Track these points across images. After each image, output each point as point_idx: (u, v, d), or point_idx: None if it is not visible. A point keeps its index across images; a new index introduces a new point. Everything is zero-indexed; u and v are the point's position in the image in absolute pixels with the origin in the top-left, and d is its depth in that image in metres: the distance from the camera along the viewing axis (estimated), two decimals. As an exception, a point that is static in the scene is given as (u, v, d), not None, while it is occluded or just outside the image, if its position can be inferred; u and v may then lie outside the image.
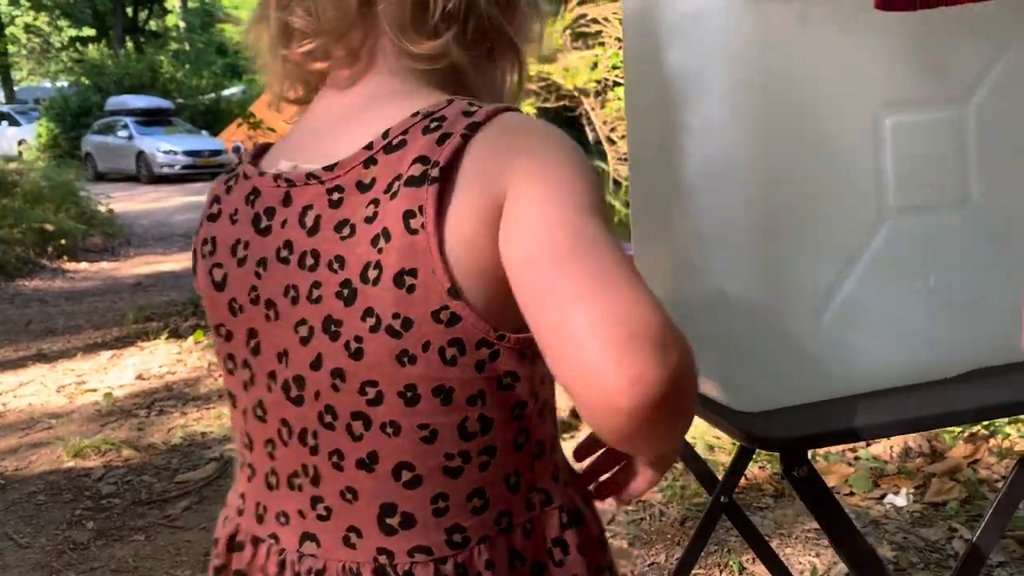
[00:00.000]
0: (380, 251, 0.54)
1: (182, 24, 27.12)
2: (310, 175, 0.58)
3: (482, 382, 0.56)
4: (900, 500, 2.20)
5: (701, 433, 2.40)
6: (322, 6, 0.59)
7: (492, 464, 0.57)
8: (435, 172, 0.53)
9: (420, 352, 0.54)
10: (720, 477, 1.52)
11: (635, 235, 1.03)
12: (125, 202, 11.84)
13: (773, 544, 2.00)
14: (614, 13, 4.62)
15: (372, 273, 0.54)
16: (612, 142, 4.52)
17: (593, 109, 4.55)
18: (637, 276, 0.49)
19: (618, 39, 4.63)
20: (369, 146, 0.56)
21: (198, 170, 15.76)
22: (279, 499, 0.61)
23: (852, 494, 2.25)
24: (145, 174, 15.75)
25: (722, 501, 1.44)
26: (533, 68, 2.98)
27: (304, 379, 0.58)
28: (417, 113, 0.56)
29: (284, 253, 0.58)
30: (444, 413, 0.55)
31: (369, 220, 0.54)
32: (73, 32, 26.48)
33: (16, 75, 24.86)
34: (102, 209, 10.30)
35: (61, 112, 18.52)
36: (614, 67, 4.44)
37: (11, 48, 22.45)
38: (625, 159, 4.54)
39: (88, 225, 9.54)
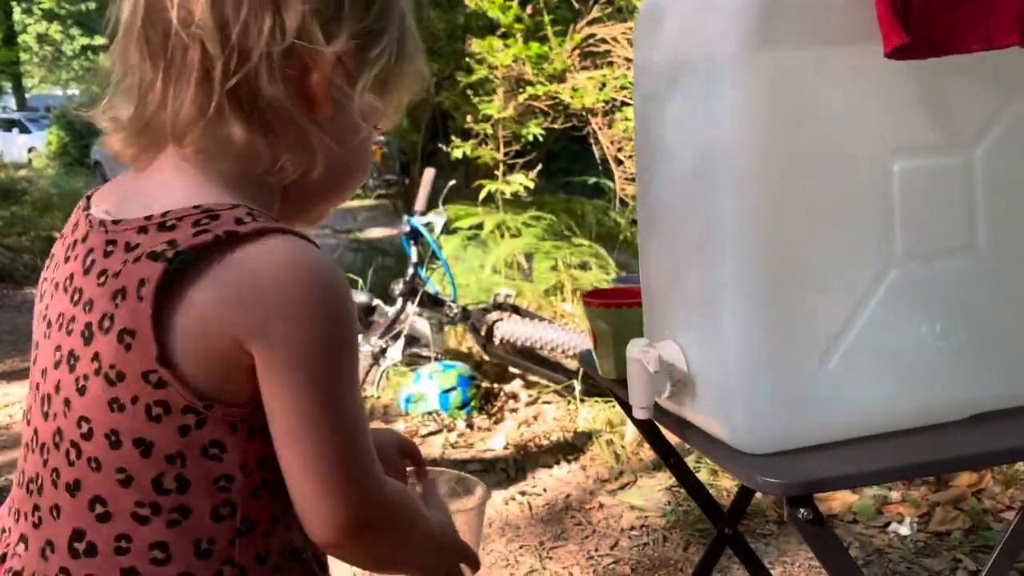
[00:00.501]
0: (116, 306, 0.60)
1: (193, 34, 27.23)
2: (101, 222, 0.65)
3: (183, 445, 0.60)
4: (904, 529, 2.20)
5: (704, 458, 2.40)
6: (120, 109, 0.66)
7: (183, 524, 0.61)
8: (170, 254, 0.59)
9: (129, 404, 0.60)
10: (724, 505, 1.53)
11: (643, 266, 1.04)
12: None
13: (776, 573, 2.00)
14: (623, 33, 4.64)
15: (106, 323, 0.60)
16: (619, 162, 4.53)
17: (600, 129, 4.56)
18: (362, 455, 0.62)
19: (627, 59, 4.65)
20: (148, 217, 0.62)
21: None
22: (19, 497, 0.67)
23: (856, 521, 2.25)
24: (154, 183, 15.80)
25: (727, 533, 1.45)
26: (542, 88, 2.98)
27: (51, 398, 0.64)
28: (198, 207, 0.61)
29: (66, 283, 0.65)
30: (142, 464, 0.60)
31: (116, 275, 0.61)
32: (85, 40, 26.66)
33: (27, 82, 25.05)
34: (110, 218, 10.37)
35: (71, 120, 18.63)
36: (622, 87, 4.46)
37: (23, 56, 22.61)
38: (631, 179, 4.55)
39: (96, 233, 9.61)
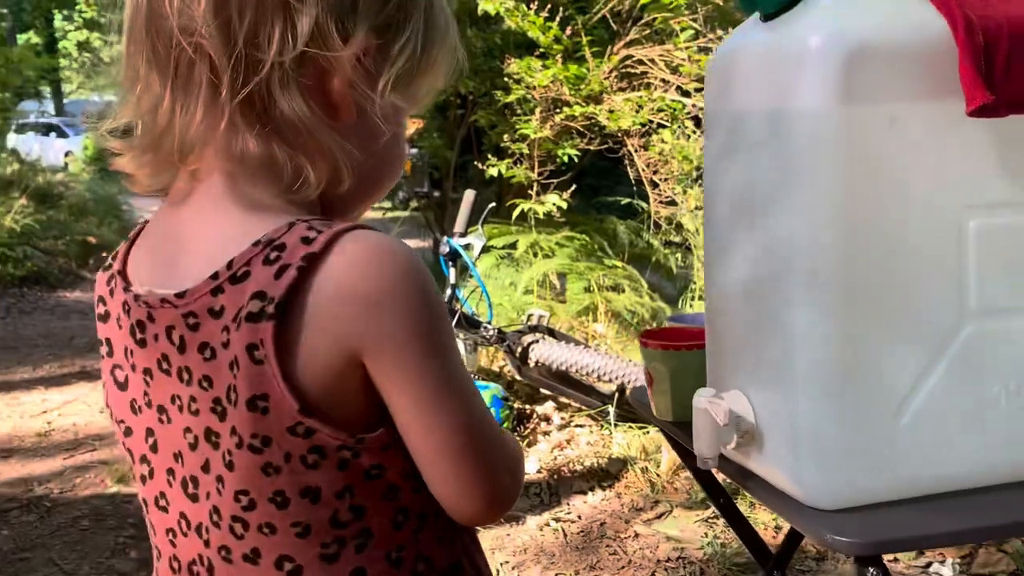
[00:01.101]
0: (235, 376, 0.57)
1: (229, 44, 27.60)
2: (164, 299, 0.60)
3: (347, 478, 0.60)
4: (946, 571, 2.16)
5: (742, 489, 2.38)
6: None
7: (371, 544, 0.62)
8: (271, 309, 0.55)
9: (283, 463, 0.58)
10: (763, 537, 1.51)
11: (709, 311, 1.04)
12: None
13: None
14: (660, 55, 4.64)
15: (232, 396, 0.58)
16: (654, 184, 4.52)
17: (636, 151, 4.55)
18: (495, 432, 0.62)
19: (664, 80, 4.65)
20: (215, 275, 0.57)
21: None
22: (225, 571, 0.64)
23: (896, 560, 2.21)
24: (187, 190, 15.99)
25: (775, 576, 1.43)
26: (579, 109, 2.98)
27: (198, 479, 0.62)
28: (258, 243, 0.57)
29: (164, 365, 0.61)
30: (314, 510, 0.60)
31: (225, 346, 0.57)
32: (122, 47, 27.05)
33: (66, 88, 25.52)
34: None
35: (108, 126, 18.93)
36: (659, 110, 4.45)
37: (62, 62, 23.06)
38: (666, 202, 4.54)
39: (129, 239, 9.74)
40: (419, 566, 0.64)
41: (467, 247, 2.88)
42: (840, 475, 0.88)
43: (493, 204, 3.25)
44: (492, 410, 3.03)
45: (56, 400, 3.77)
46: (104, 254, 8.62)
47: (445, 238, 2.92)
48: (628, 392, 3.01)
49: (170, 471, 0.64)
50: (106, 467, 2.90)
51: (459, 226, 2.96)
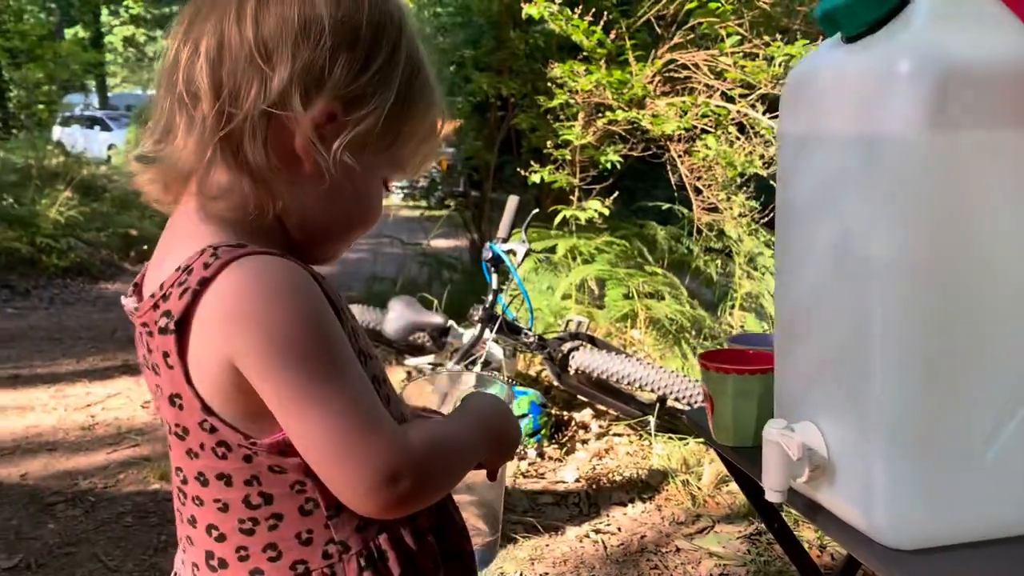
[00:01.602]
0: (161, 377, 0.71)
1: (269, 40, 27.86)
2: (135, 309, 0.74)
3: (252, 469, 0.71)
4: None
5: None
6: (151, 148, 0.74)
7: (281, 525, 0.73)
8: (172, 325, 0.68)
9: (199, 450, 0.72)
10: (811, 554, 1.47)
11: (779, 337, 1.01)
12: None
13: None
14: (704, 60, 4.58)
15: (165, 391, 0.72)
16: (698, 191, 4.46)
17: (679, 156, 4.50)
18: (369, 427, 0.68)
19: (708, 86, 4.59)
20: (152, 295, 0.71)
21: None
22: (180, 527, 0.81)
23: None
24: (226, 184, 16.19)
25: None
26: (621, 113, 2.96)
27: (168, 455, 0.78)
28: (178, 268, 0.69)
29: (145, 360, 0.75)
30: (228, 492, 0.72)
31: (153, 352, 0.71)
32: (166, 42, 27.46)
33: (110, 82, 25.97)
34: (184, 217, 10.64)
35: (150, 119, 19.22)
36: (703, 115, 4.40)
37: (107, 57, 23.46)
38: (709, 208, 4.48)
39: (169, 232, 9.87)
40: (330, 548, 0.74)
41: (510, 252, 2.87)
42: (918, 515, 0.85)
43: (537, 210, 3.23)
44: (530, 418, 3.02)
45: (99, 394, 3.82)
46: (145, 247, 8.77)
47: (488, 244, 2.90)
48: (673, 403, 2.98)
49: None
50: (148, 463, 2.93)
51: (502, 231, 2.95)
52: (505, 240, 2.94)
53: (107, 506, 2.62)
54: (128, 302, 0.76)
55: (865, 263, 0.85)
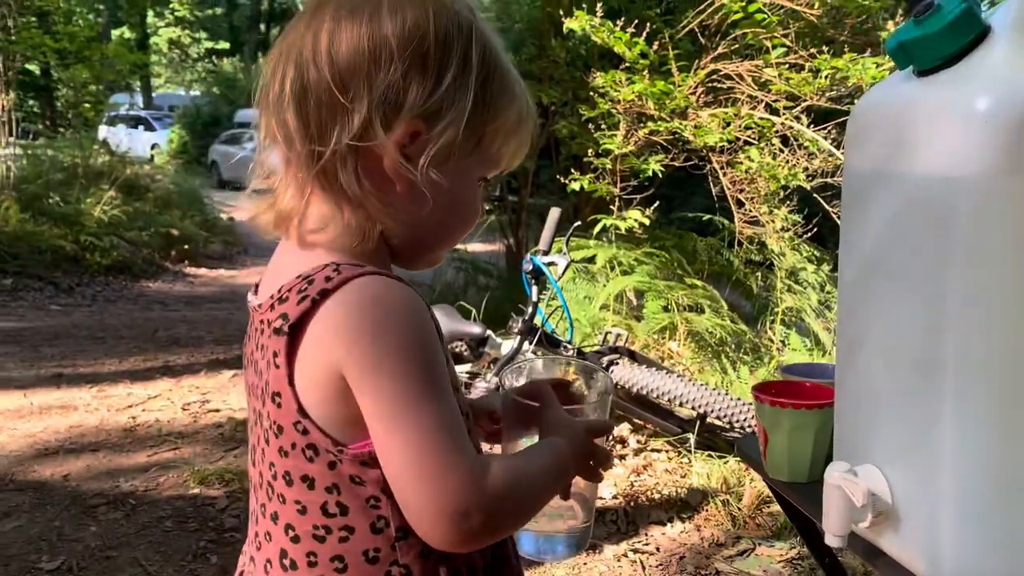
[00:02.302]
0: (268, 373, 0.74)
1: (310, 43, 28.17)
2: (255, 307, 0.79)
3: (335, 477, 0.73)
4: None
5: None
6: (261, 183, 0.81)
7: (352, 539, 0.74)
8: (286, 328, 0.71)
9: (290, 449, 0.74)
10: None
11: (840, 374, 0.98)
12: (245, 211, 12.36)
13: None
14: (748, 71, 4.53)
15: (267, 388, 0.75)
16: (740, 203, 4.41)
17: (722, 168, 4.45)
18: (450, 456, 0.69)
19: (751, 96, 4.54)
20: (271, 296, 0.75)
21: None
22: (250, 527, 0.83)
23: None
24: (264, 186, 16.38)
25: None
26: (663, 124, 2.93)
27: (255, 449, 0.80)
28: (300, 276, 0.73)
29: (251, 357, 0.79)
30: (309, 495, 0.74)
31: (263, 349, 0.75)
32: (210, 44, 27.95)
33: (154, 82, 26.42)
34: (223, 217, 10.79)
35: (193, 120, 19.56)
36: (747, 127, 4.34)
37: (152, 58, 23.87)
38: (751, 221, 4.43)
39: (210, 232, 10.00)
40: (393, 570, 0.75)
41: (551, 265, 2.85)
42: (986, 564, 0.82)
43: (579, 223, 3.20)
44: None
45: (140, 395, 3.87)
46: (186, 246, 8.90)
47: (528, 255, 2.89)
48: (721, 422, 2.94)
49: (256, 438, 0.80)
50: (188, 467, 2.96)
51: (543, 244, 2.92)
52: (546, 252, 2.92)
53: (147, 510, 2.65)
54: (252, 299, 0.81)
55: (938, 305, 0.82)
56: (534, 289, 2.91)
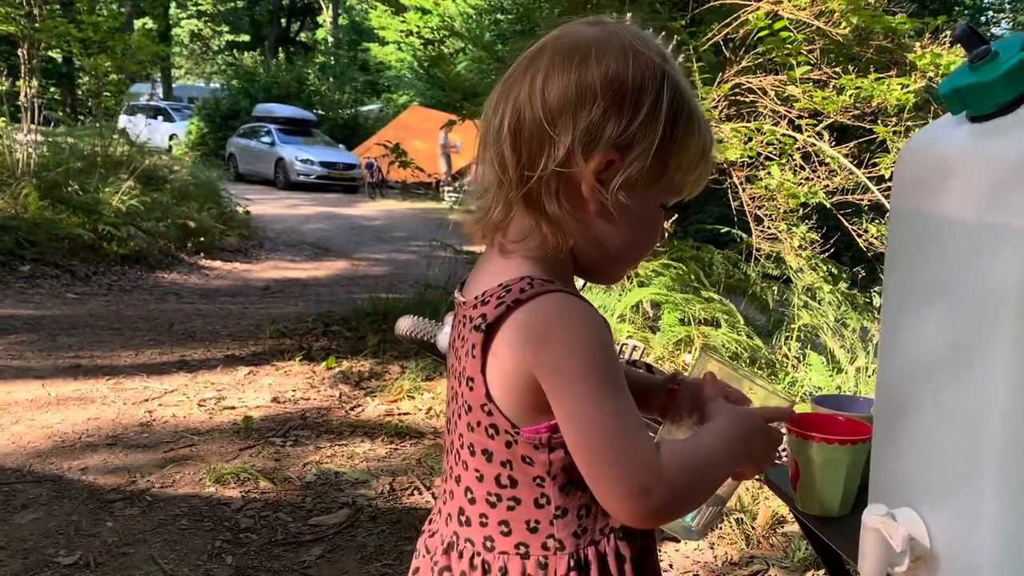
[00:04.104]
0: (465, 361, 0.86)
1: (330, 39, 28.33)
2: (460, 303, 0.91)
3: (510, 454, 0.86)
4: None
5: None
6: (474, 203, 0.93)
7: (517, 509, 0.87)
8: (483, 326, 0.84)
9: (476, 426, 0.87)
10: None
11: (879, 413, 0.98)
12: (261, 205, 12.43)
13: None
14: (772, 85, 4.52)
15: (463, 372, 0.87)
16: (759, 220, 4.40)
17: (741, 184, 4.45)
18: (626, 442, 0.81)
19: (773, 111, 4.53)
20: (476, 297, 0.87)
21: (331, 181, 16.35)
22: (441, 485, 0.96)
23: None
24: (282, 180, 16.47)
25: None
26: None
27: (449, 420, 0.93)
28: (501, 284, 0.85)
29: (454, 343, 0.91)
30: (488, 467, 0.87)
31: (464, 340, 0.87)
32: (230, 37, 28.06)
33: (175, 73, 26.53)
34: (240, 210, 10.83)
35: (212, 113, 19.64)
36: (768, 143, 4.34)
37: (174, 49, 23.98)
38: (769, 238, 4.41)
39: (226, 225, 10.04)
40: (549, 542, 0.88)
41: (572, 277, 2.85)
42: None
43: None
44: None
45: (157, 389, 3.89)
46: (202, 238, 8.94)
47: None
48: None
49: (451, 411, 0.93)
50: (204, 466, 2.98)
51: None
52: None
53: (163, 507, 2.67)
54: (458, 296, 0.93)
55: (986, 353, 0.82)
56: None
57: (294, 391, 3.92)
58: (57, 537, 2.43)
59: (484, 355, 0.84)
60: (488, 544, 0.90)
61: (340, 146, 18.11)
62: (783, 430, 1.18)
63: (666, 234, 1.09)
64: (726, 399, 0.98)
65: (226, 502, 2.71)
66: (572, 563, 0.88)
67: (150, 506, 2.66)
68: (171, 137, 19.54)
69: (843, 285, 4.58)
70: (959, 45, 0.89)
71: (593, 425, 0.81)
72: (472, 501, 0.90)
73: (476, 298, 0.87)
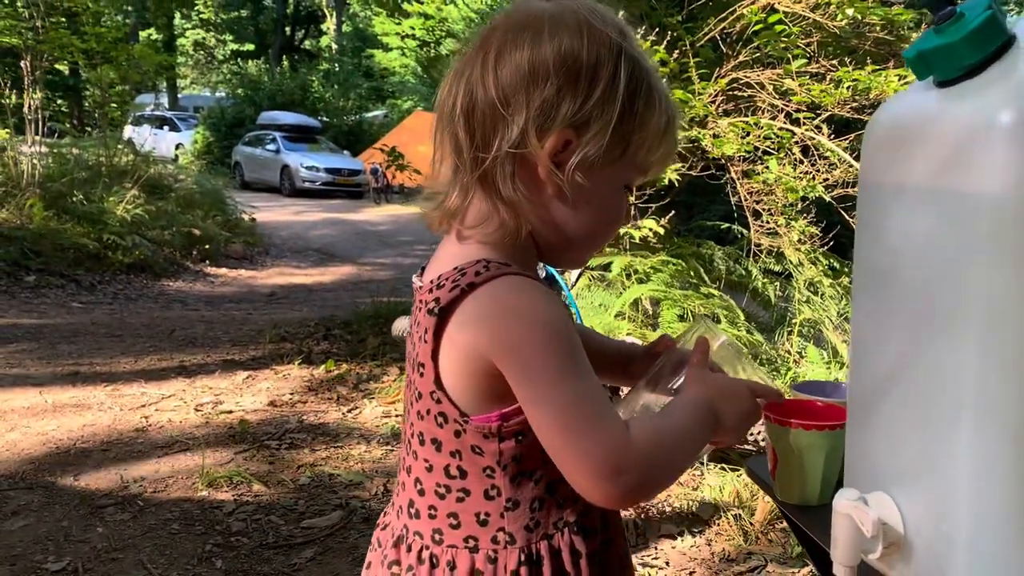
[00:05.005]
0: (417, 347, 0.84)
1: (334, 46, 28.41)
2: (417, 288, 0.89)
3: (459, 444, 0.83)
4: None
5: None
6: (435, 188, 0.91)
7: (466, 500, 0.85)
8: (436, 310, 0.81)
9: (425, 414, 0.85)
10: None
11: (852, 394, 0.94)
12: (267, 212, 12.45)
13: None
14: (770, 79, 4.47)
15: (415, 358, 0.85)
16: (756, 214, 4.35)
17: (739, 179, 4.40)
18: (594, 421, 0.77)
19: (772, 105, 4.48)
20: (431, 281, 0.85)
21: (336, 187, 16.38)
22: (399, 475, 0.93)
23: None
24: (287, 187, 16.51)
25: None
26: (683, 132, 2.91)
27: (406, 407, 0.91)
28: (456, 268, 0.83)
29: (413, 329, 0.88)
30: (436, 456, 0.85)
31: (418, 325, 0.85)
32: (235, 46, 28.19)
33: (180, 84, 26.66)
34: (245, 218, 10.84)
35: (217, 122, 19.71)
36: (766, 137, 4.29)
37: (179, 59, 24.10)
38: (768, 232, 4.36)
39: (231, 232, 10.06)
40: (499, 535, 0.84)
41: (563, 273, 2.82)
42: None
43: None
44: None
45: (154, 395, 3.87)
46: (207, 246, 8.95)
47: (540, 263, 2.86)
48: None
49: (405, 401, 0.91)
50: (198, 469, 2.95)
51: (558, 251, 2.90)
52: (560, 260, 2.90)
53: (155, 511, 2.65)
54: (416, 281, 0.91)
55: (955, 326, 0.78)
56: (547, 297, 2.88)
57: (292, 394, 3.89)
58: (47, 543, 2.41)
59: (436, 340, 0.82)
60: (437, 537, 0.86)
61: (345, 152, 18.14)
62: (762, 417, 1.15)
63: (629, 217, 0.97)
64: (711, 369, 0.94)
65: (218, 506, 2.68)
66: (523, 557, 0.84)
67: (141, 511, 2.64)
68: (177, 147, 19.62)
69: (845, 279, 4.53)
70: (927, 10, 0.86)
71: (558, 407, 0.78)
72: (421, 492, 0.87)
73: (432, 282, 0.85)
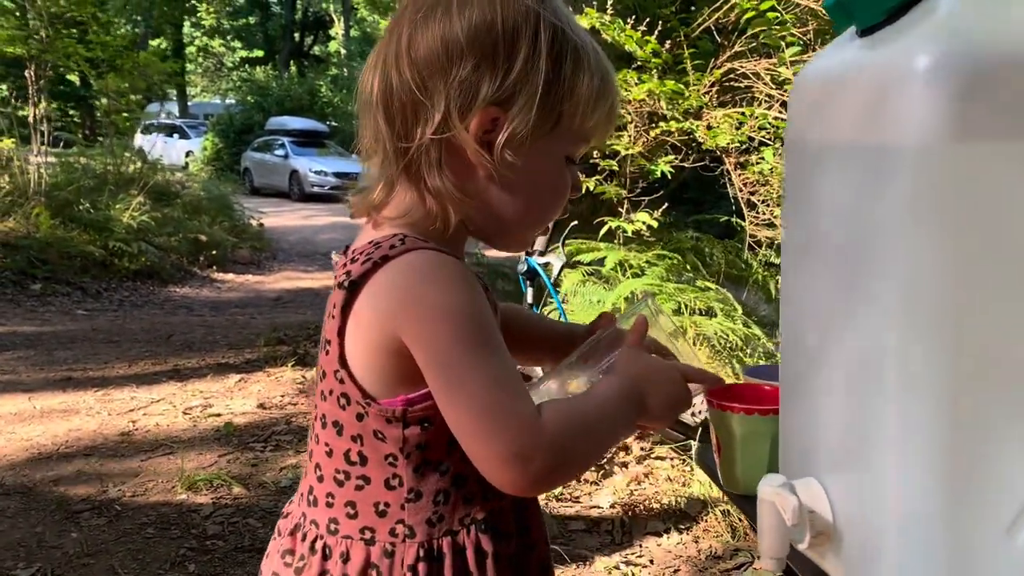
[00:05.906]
0: (327, 324, 0.80)
1: (343, 51, 28.48)
2: (335, 264, 0.85)
3: (360, 428, 0.79)
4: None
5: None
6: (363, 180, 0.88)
7: (365, 489, 0.80)
8: (346, 283, 0.77)
9: (328, 395, 0.80)
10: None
11: (783, 377, 0.88)
12: (275, 217, 12.47)
13: None
14: (766, 69, 4.39)
15: (324, 337, 0.81)
16: (752, 205, 4.27)
17: (734, 170, 4.32)
18: (504, 405, 0.73)
19: (769, 96, 4.40)
20: (346, 255, 0.82)
21: (345, 191, 16.37)
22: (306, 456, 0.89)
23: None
24: (296, 192, 16.54)
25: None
26: (675, 124, 2.84)
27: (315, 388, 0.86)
28: (371, 242, 0.79)
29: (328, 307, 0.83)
30: (337, 441, 0.80)
31: (330, 301, 0.80)
32: (244, 53, 28.33)
33: (190, 91, 26.81)
34: (253, 223, 10.85)
35: (226, 128, 19.78)
36: (761, 128, 4.21)
37: (188, 67, 24.25)
38: (765, 224, 4.28)
39: (239, 238, 10.07)
40: (398, 528, 0.80)
41: (546, 266, 2.77)
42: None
43: (575, 223, 3.12)
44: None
45: (143, 399, 3.85)
46: (214, 252, 8.95)
47: (523, 256, 2.81)
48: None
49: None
50: (179, 472, 2.92)
51: (539, 244, 2.85)
52: (543, 253, 2.84)
53: (131, 515, 2.61)
54: (335, 258, 0.88)
55: (876, 290, 0.71)
56: (530, 290, 2.84)
57: (282, 396, 3.85)
58: (18, 549, 2.38)
59: (344, 316, 0.77)
60: (332, 527, 0.82)
61: (353, 156, 18.16)
62: (703, 402, 1.09)
63: (575, 189, 0.88)
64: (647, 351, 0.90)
65: (195, 509, 2.64)
66: (422, 553, 0.79)
67: (118, 516, 2.60)
68: (187, 154, 19.70)
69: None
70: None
71: (467, 389, 0.74)
72: (320, 479, 0.83)
73: (345, 256, 0.81)
